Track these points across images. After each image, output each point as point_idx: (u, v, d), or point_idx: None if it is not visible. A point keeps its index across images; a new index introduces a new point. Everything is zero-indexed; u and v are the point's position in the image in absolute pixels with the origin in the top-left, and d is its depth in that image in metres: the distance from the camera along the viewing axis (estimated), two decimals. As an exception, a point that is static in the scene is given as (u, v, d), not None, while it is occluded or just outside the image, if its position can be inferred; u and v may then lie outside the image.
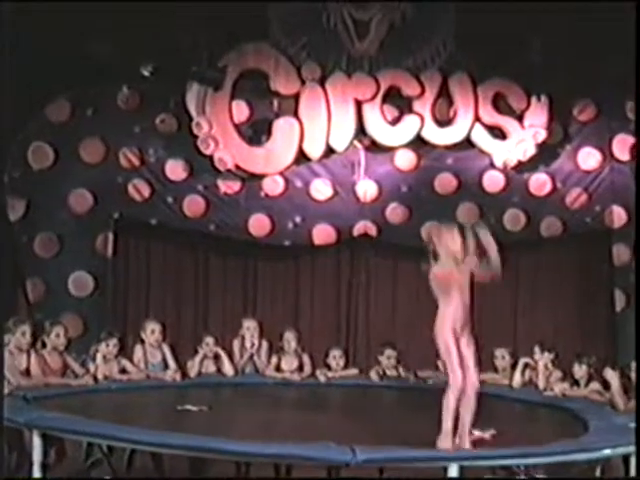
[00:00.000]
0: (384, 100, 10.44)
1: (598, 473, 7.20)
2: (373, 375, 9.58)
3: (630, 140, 10.61)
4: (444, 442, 6.48)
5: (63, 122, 10.29)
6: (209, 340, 9.61)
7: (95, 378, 8.80)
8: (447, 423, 6.52)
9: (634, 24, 7.68)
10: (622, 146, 10.66)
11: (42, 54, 9.50)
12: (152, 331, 9.50)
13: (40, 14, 9.15)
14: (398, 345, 9.76)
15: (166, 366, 9.40)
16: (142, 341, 9.52)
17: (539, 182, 10.72)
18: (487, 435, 6.91)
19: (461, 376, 6.58)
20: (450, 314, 6.63)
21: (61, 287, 10.24)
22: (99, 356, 9.05)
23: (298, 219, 10.59)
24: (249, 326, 9.83)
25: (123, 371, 9.21)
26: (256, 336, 9.81)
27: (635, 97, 7.71)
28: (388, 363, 9.61)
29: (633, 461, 6.50)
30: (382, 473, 7.25)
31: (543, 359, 9.15)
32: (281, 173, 10.52)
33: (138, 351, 9.47)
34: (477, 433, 6.84)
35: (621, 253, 10.56)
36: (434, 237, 6.66)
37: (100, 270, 10.37)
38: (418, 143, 10.55)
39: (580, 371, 8.76)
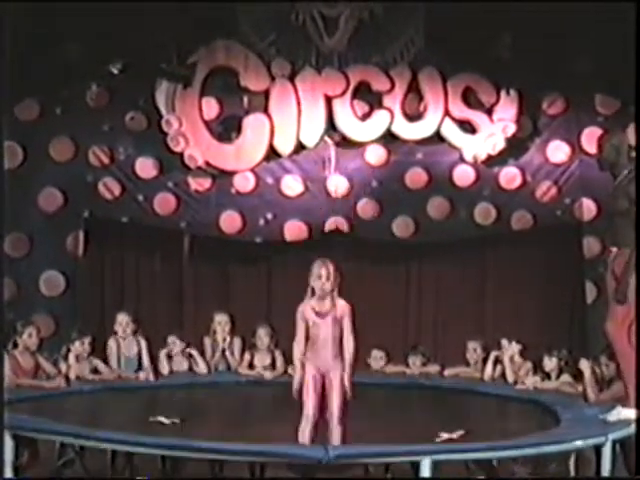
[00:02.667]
0: (354, 95, 10.43)
1: (572, 465, 7.25)
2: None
3: (599, 133, 10.63)
4: None
5: (32, 121, 10.24)
6: (176, 339, 9.65)
7: (67, 378, 8.78)
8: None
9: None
10: (591, 139, 10.62)
11: (10, 53, 9.42)
12: (126, 323, 9.54)
13: (6, 14, 9.07)
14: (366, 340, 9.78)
15: (140, 360, 9.40)
16: (115, 333, 9.55)
17: (509, 176, 10.73)
18: (455, 436, 6.90)
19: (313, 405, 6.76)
20: None
21: (32, 287, 10.17)
22: (72, 355, 9.04)
23: (269, 215, 10.56)
24: (220, 320, 9.89)
25: (95, 371, 9.20)
26: (227, 331, 9.87)
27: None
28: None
29: (607, 452, 6.57)
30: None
31: (509, 351, 9.20)
32: (252, 170, 10.49)
33: (112, 345, 9.49)
34: (445, 435, 6.85)
35: (591, 245, 10.57)
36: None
37: (71, 269, 10.32)
38: (388, 138, 10.54)
39: (550, 364, 8.81)
